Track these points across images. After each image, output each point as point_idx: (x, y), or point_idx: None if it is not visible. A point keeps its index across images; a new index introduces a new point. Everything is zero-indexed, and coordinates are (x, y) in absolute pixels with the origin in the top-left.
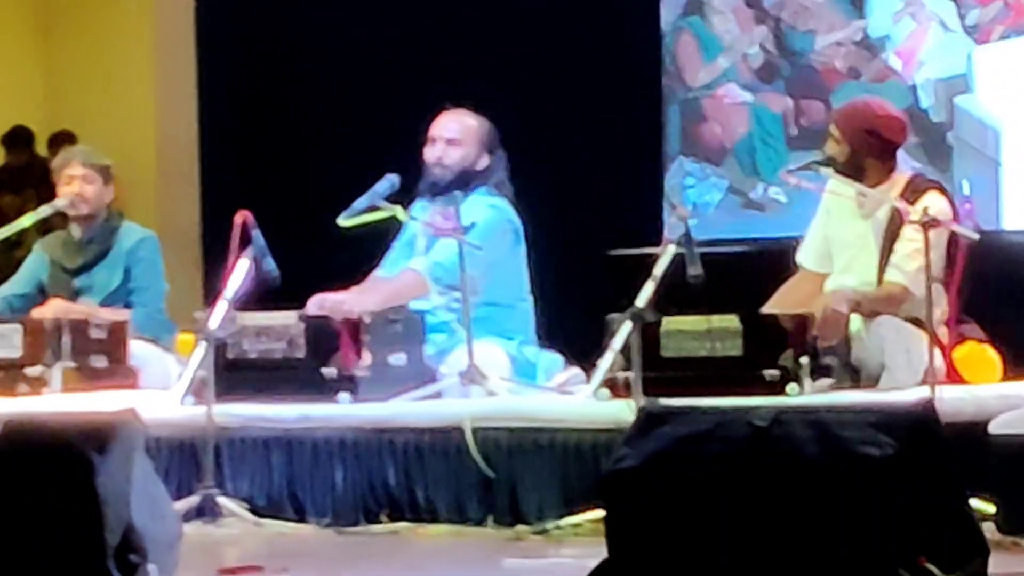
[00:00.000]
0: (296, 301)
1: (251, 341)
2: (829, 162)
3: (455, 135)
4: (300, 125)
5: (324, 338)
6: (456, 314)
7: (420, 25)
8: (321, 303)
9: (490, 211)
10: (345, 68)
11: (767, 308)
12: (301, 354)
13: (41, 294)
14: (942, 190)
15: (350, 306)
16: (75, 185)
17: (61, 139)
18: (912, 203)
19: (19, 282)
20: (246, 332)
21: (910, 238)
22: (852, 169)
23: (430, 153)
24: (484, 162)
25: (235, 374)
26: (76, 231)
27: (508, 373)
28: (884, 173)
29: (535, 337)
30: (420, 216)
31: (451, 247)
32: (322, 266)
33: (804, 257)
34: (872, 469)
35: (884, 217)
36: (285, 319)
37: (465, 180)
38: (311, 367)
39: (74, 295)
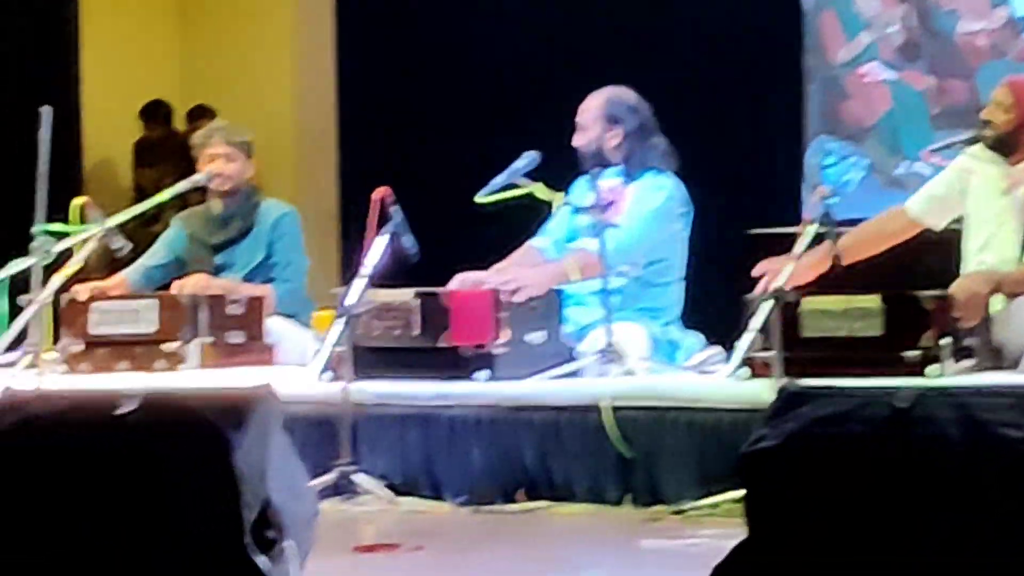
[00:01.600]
0: (434, 279)
1: (375, 318)
2: (979, 137)
3: (580, 119)
4: (440, 100)
5: (437, 316)
6: (600, 293)
7: (563, 4)
8: (462, 281)
9: (662, 192)
10: (486, 43)
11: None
12: (416, 331)
13: (179, 268)
14: None
15: (523, 284)
16: (218, 163)
17: (199, 113)
18: None
19: (156, 254)
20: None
21: None
22: (1007, 141)
23: (574, 139)
24: (614, 137)
25: (370, 352)
26: (216, 207)
27: (647, 352)
28: None
29: (679, 318)
30: (578, 195)
31: (625, 230)
32: (460, 243)
33: (914, 203)
34: (1015, 451)
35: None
36: (403, 296)
37: (602, 159)
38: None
39: (215, 271)
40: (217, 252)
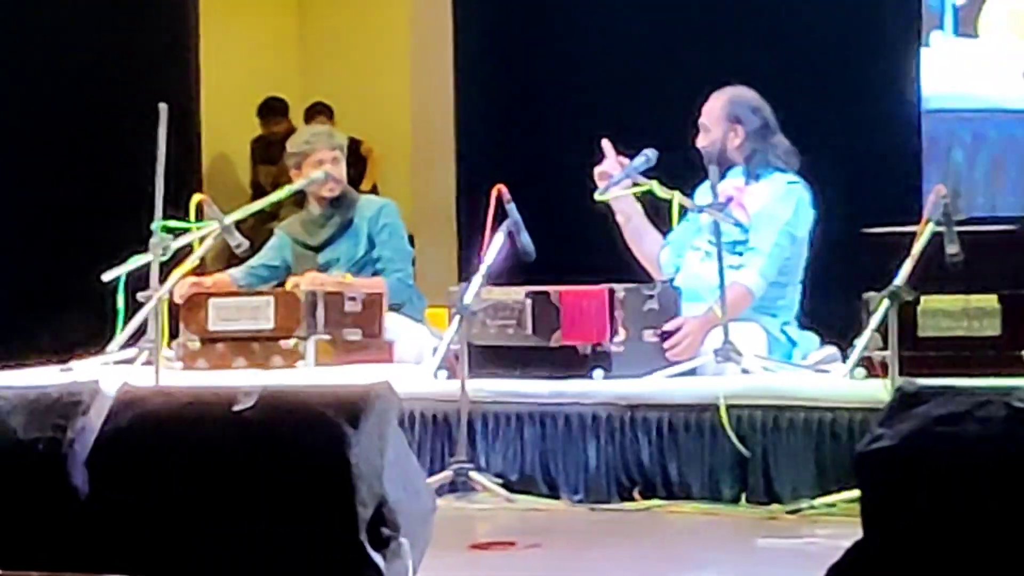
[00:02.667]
0: (552, 276)
1: (489, 317)
2: None
3: (703, 120)
4: (557, 97)
5: (549, 315)
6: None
7: (680, 3)
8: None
9: (791, 200)
10: (604, 42)
11: None
12: (529, 331)
13: (287, 272)
14: None
15: (681, 343)
16: (328, 168)
17: (317, 110)
18: None
19: (264, 256)
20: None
21: None
22: None
23: (697, 139)
24: (736, 137)
25: (485, 350)
26: (315, 209)
27: (763, 352)
28: None
29: (798, 317)
30: (699, 198)
31: (764, 257)
32: (578, 241)
33: None
34: None
35: None
36: (515, 295)
37: (725, 159)
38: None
39: (321, 270)
40: (319, 251)
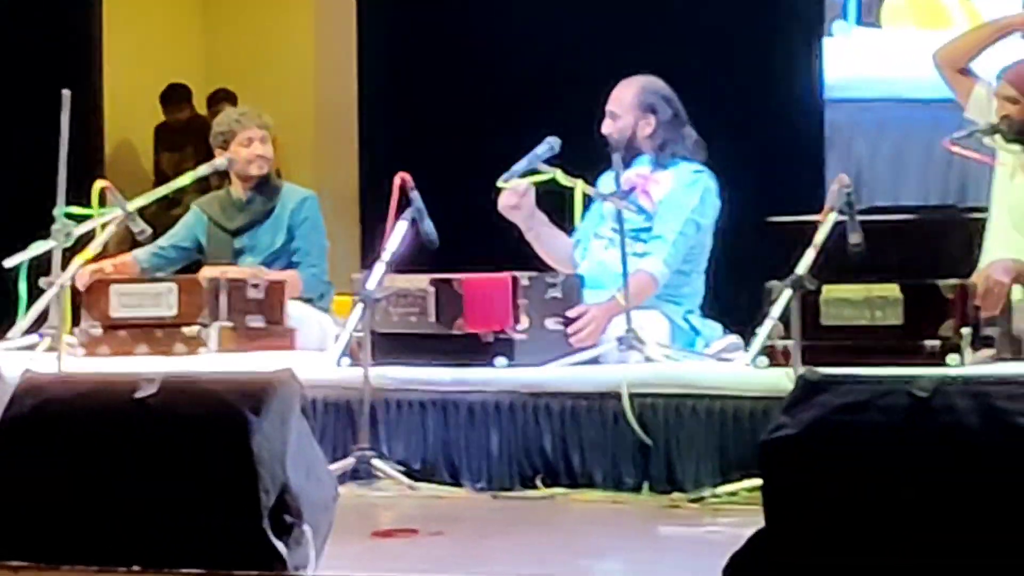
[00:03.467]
0: (455, 264)
1: (392, 305)
2: (997, 127)
3: (612, 107)
4: (461, 85)
5: (452, 302)
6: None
7: None
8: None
9: (697, 189)
10: (508, 28)
11: None
12: (432, 318)
13: (199, 252)
14: None
15: (583, 330)
16: (255, 147)
17: (220, 97)
18: None
19: (175, 235)
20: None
21: None
22: None
23: (605, 126)
24: (647, 126)
25: (388, 338)
26: (237, 191)
27: (666, 340)
28: None
29: (701, 306)
30: (603, 186)
31: (669, 246)
32: (481, 229)
33: None
34: None
35: None
36: (418, 283)
37: (633, 148)
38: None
39: (235, 255)
40: (237, 236)
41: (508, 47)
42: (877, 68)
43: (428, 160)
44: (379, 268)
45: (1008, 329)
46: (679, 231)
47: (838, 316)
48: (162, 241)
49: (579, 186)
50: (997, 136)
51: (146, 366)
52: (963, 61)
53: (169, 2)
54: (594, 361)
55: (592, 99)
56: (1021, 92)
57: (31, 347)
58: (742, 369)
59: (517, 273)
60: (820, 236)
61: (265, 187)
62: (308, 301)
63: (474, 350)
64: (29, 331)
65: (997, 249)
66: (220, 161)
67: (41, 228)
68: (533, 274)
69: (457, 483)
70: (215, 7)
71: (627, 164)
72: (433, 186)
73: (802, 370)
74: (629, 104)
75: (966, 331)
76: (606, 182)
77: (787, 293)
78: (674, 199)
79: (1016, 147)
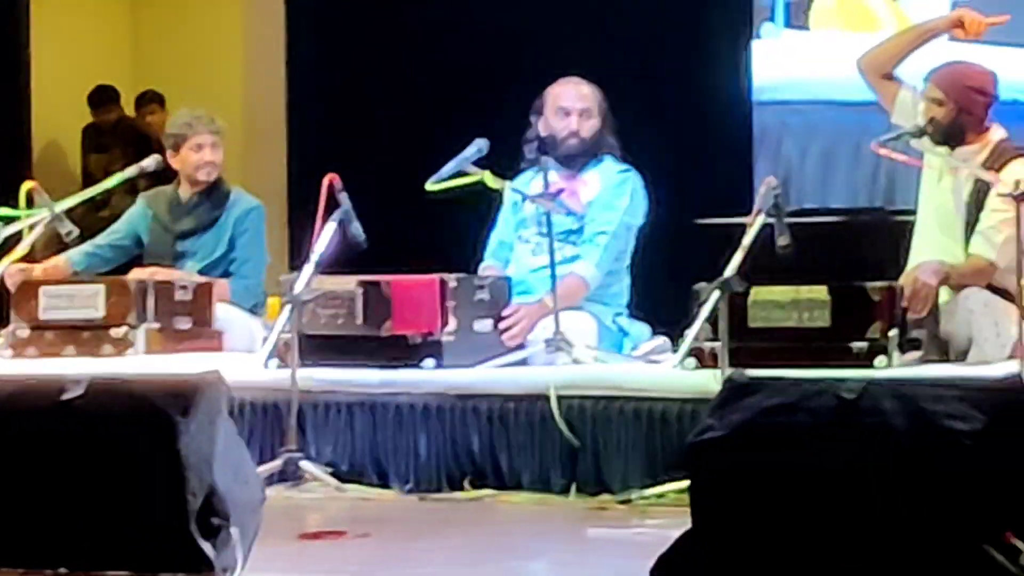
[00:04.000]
0: (383, 265)
1: (320, 306)
2: (924, 130)
3: (588, 105)
4: (388, 88)
5: (380, 304)
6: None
7: None
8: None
9: (626, 188)
10: (436, 31)
11: None
12: (360, 320)
13: (138, 247)
14: None
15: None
16: (205, 152)
17: (148, 99)
18: (997, 170)
19: (116, 232)
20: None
21: (996, 208)
22: (952, 131)
23: (562, 124)
24: (607, 130)
25: (316, 339)
26: (186, 193)
27: (594, 342)
28: (981, 131)
29: (628, 307)
30: (527, 187)
31: (608, 245)
32: (409, 230)
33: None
34: (959, 443)
35: (968, 183)
36: (346, 284)
37: (595, 150)
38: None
39: (175, 258)
40: (179, 239)
41: (436, 49)
42: (806, 70)
43: (356, 162)
44: (307, 270)
45: (935, 331)
46: (612, 232)
47: (766, 318)
48: (99, 240)
49: (507, 187)
50: (924, 138)
51: (73, 367)
52: (888, 67)
53: (97, 3)
54: (522, 363)
55: (522, 101)
56: (947, 95)
57: None
58: (670, 371)
59: (445, 275)
60: (748, 238)
61: (213, 193)
62: (249, 310)
63: (402, 352)
64: None
65: (924, 251)
66: (148, 162)
67: None
68: (461, 276)
69: (385, 485)
70: (143, 8)
71: (584, 165)
72: (361, 188)
73: (730, 372)
74: (599, 103)
75: (893, 333)
76: (523, 183)
77: (715, 295)
78: (604, 200)
79: (943, 150)
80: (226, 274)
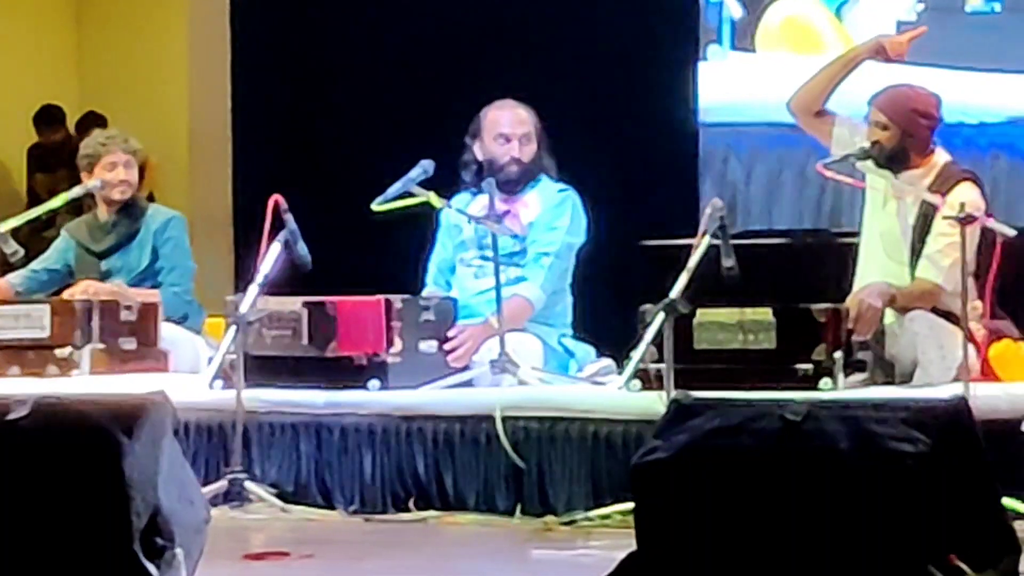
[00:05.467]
0: (328, 286)
1: (265, 327)
2: (869, 153)
3: (527, 129)
4: (333, 110)
5: (325, 325)
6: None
7: (455, 14)
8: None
9: (566, 208)
10: (379, 53)
11: None
12: (305, 340)
13: (69, 276)
14: (975, 181)
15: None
16: (119, 171)
17: (90, 121)
18: (944, 193)
19: (47, 260)
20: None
21: (943, 232)
22: (896, 155)
23: (503, 150)
24: (544, 151)
25: (262, 360)
26: (103, 214)
27: (540, 363)
28: (926, 154)
29: (572, 326)
30: (464, 209)
31: (552, 265)
32: (354, 251)
33: None
34: (904, 465)
35: (914, 206)
36: (291, 305)
37: (534, 172)
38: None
39: (102, 277)
40: (103, 258)
41: (381, 71)
42: (751, 93)
43: (301, 183)
44: (252, 290)
45: (880, 353)
46: (555, 253)
47: (711, 340)
48: (35, 264)
49: (450, 210)
50: (869, 161)
51: (18, 388)
52: (818, 104)
53: (43, 23)
54: (468, 384)
55: (466, 122)
56: (891, 119)
57: None
58: (615, 392)
59: (390, 296)
60: (694, 260)
61: (130, 210)
62: (178, 323)
63: (347, 373)
64: None
65: (870, 273)
66: (93, 183)
67: None
68: (406, 297)
69: (330, 506)
70: (89, 28)
71: (523, 187)
72: (307, 209)
73: (675, 394)
74: (535, 126)
75: (838, 355)
76: (461, 205)
77: (660, 316)
78: (546, 221)
79: (887, 172)
80: (155, 286)
